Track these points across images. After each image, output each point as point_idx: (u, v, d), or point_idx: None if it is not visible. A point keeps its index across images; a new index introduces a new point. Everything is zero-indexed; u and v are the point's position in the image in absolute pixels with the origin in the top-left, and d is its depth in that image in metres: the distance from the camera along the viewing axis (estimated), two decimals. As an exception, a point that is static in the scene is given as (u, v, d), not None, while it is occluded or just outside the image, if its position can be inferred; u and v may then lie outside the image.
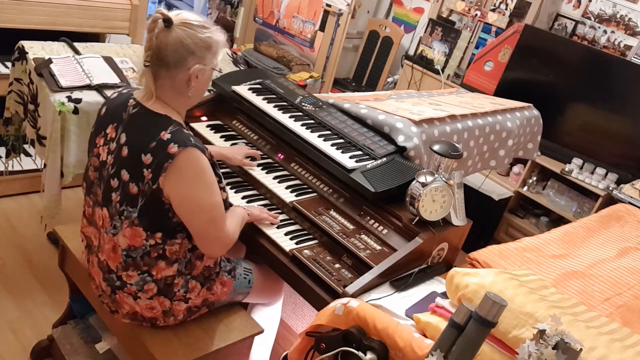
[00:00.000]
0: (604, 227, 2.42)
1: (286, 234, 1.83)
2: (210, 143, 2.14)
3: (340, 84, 4.60)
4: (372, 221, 1.85)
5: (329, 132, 2.10)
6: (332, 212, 1.90)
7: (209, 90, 2.33)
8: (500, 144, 2.60)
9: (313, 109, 2.22)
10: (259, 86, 2.34)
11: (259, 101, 2.22)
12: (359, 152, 2.01)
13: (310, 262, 1.72)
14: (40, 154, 2.48)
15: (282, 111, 2.18)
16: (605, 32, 3.77)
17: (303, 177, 2.04)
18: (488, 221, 3.70)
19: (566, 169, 3.55)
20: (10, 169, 2.89)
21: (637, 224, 2.51)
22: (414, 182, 1.78)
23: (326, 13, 3.76)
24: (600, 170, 3.48)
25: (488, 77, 3.99)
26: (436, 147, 1.81)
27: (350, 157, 1.95)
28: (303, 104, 2.25)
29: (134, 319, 1.67)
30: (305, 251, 1.76)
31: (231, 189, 1.99)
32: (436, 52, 4.28)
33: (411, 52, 4.55)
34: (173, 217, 1.54)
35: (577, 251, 2.15)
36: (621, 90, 3.52)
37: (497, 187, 3.76)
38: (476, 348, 1.16)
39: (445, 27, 4.24)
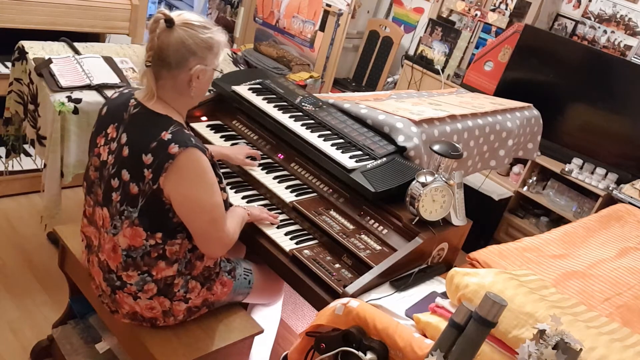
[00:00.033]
0: (604, 227, 2.42)
1: (286, 234, 1.83)
2: (210, 143, 2.14)
3: (340, 84, 4.60)
4: (372, 221, 1.85)
5: (329, 132, 2.10)
6: (332, 212, 1.90)
7: (209, 90, 2.33)
8: (500, 144, 2.60)
9: (313, 109, 2.22)
10: (259, 86, 2.34)
11: (259, 101, 2.22)
12: (359, 152, 2.01)
13: (310, 262, 1.72)
14: (40, 154, 2.48)
15: (282, 111, 2.18)
16: (605, 32, 3.77)
17: (303, 177, 2.04)
18: (488, 221, 3.70)
19: (566, 169, 3.55)
20: (10, 169, 2.89)
21: (637, 224, 2.51)
22: (414, 182, 1.78)
23: (326, 13, 3.77)
24: (600, 170, 3.48)
25: (488, 77, 3.99)
26: (436, 147, 1.81)
27: (350, 157, 1.95)
28: (303, 104, 2.25)
29: (134, 319, 1.67)
30: (305, 251, 1.76)
31: (231, 189, 1.99)
32: (436, 52, 4.28)
33: (411, 52, 4.55)
34: (173, 218, 1.54)
35: (577, 251, 2.15)
36: (621, 90, 3.52)
37: (497, 187, 3.76)
38: (476, 348, 1.16)
39: (445, 27, 4.24)
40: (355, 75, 4.79)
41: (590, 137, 3.65)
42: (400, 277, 1.69)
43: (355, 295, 1.57)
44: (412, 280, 1.68)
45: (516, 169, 3.83)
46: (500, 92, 3.79)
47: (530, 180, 3.73)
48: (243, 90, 2.28)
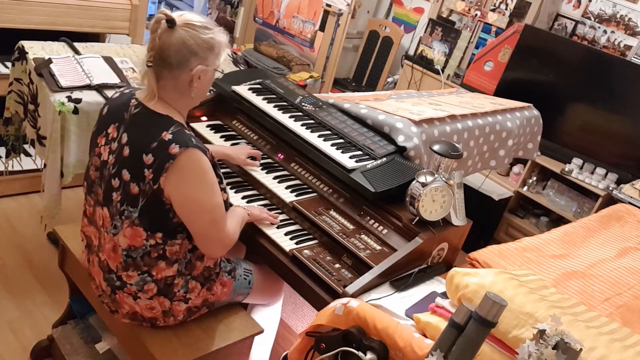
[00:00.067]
0: (604, 227, 2.42)
1: (286, 234, 1.83)
2: (210, 143, 2.14)
3: (340, 84, 4.60)
4: (372, 221, 1.85)
5: (329, 132, 2.10)
6: (332, 212, 1.90)
7: (209, 91, 2.33)
8: (500, 144, 2.60)
9: (313, 109, 2.22)
10: (259, 86, 2.34)
11: (259, 101, 2.22)
12: (359, 152, 2.01)
13: (310, 262, 1.72)
14: (40, 154, 2.48)
15: (282, 111, 2.18)
16: (605, 32, 3.77)
17: (303, 177, 2.04)
18: (488, 221, 3.70)
19: (566, 169, 3.55)
20: (10, 169, 2.89)
21: (637, 224, 2.52)
22: (414, 182, 1.78)
23: (326, 13, 3.77)
24: (600, 170, 3.48)
25: (488, 77, 3.99)
26: (436, 147, 1.81)
27: (350, 157, 1.95)
28: (303, 104, 2.25)
29: (133, 319, 1.68)
30: (305, 251, 1.77)
31: (231, 189, 1.99)
32: (436, 52, 4.28)
33: (411, 52, 4.55)
34: (173, 218, 1.54)
35: (577, 251, 2.15)
36: (621, 90, 3.52)
37: (497, 187, 3.76)
38: (476, 348, 1.16)
39: (445, 27, 4.24)
40: (355, 75, 4.79)
41: (590, 137, 3.65)
42: (400, 277, 1.69)
43: (355, 295, 1.57)
44: (412, 280, 1.68)
45: (516, 169, 3.83)
46: (500, 92, 3.79)
47: (530, 180, 3.73)
48: (243, 90, 2.28)
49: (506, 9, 3.99)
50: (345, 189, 1.94)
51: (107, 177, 1.58)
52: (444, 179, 1.79)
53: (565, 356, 1.08)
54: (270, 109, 2.18)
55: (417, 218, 1.77)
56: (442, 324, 1.36)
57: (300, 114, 2.18)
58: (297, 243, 1.80)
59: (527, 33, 3.75)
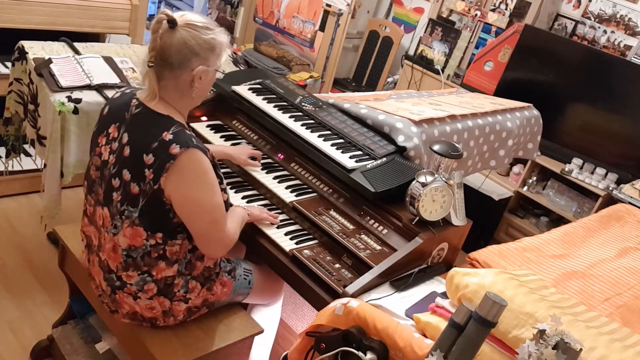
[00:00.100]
0: (604, 227, 2.42)
1: (286, 234, 1.83)
2: (210, 143, 2.14)
3: (340, 84, 4.60)
4: (372, 221, 1.85)
5: (329, 132, 2.10)
6: (332, 212, 1.90)
7: (210, 91, 2.33)
8: (500, 144, 2.60)
9: (313, 109, 2.23)
10: (259, 86, 2.34)
11: (259, 101, 2.22)
12: (359, 152, 2.01)
13: (310, 262, 1.72)
14: (40, 154, 2.48)
15: (282, 111, 2.18)
16: (605, 32, 3.77)
17: (303, 177, 2.04)
18: (488, 221, 3.70)
19: (566, 169, 3.55)
20: (10, 169, 2.89)
21: (637, 224, 2.52)
22: (414, 182, 1.78)
23: (326, 13, 3.77)
24: (600, 170, 3.48)
25: (488, 77, 3.99)
26: (436, 147, 1.81)
27: (350, 157, 1.95)
28: (303, 104, 2.25)
29: (133, 319, 1.68)
30: (305, 251, 1.77)
31: (231, 189, 1.99)
32: (436, 52, 4.28)
33: (411, 52, 4.55)
34: (174, 218, 1.54)
35: (577, 251, 2.15)
36: (621, 90, 3.52)
37: (497, 187, 3.76)
38: (476, 348, 1.16)
39: (445, 27, 4.24)
40: (355, 75, 4.79)
41: (590, 137, 3.65)
42: (400, 277, 1.69)
43: (355, 295, 1.57)
44: (412, 280, 1.68)
45: (516, 169, 3.83)
46: (500, 92, 3.79)
47: (530, 180, 3.73)
48: (243, 90, 2.28)
49: (506, 9, 3.99)
50: (345, 189, 1.94)
51: (108, 176, 1.58)
52: (444, 179, 1.79)
53: (565, 356, 1.08)
54: (270, 109, 2.18)
55: (417, 218, 1.78)
56: (442, 324, 1.36)
57: (300, 114, 2.18)
58: (297, 243, 1.80)
59: (527, 33, 3.75)
